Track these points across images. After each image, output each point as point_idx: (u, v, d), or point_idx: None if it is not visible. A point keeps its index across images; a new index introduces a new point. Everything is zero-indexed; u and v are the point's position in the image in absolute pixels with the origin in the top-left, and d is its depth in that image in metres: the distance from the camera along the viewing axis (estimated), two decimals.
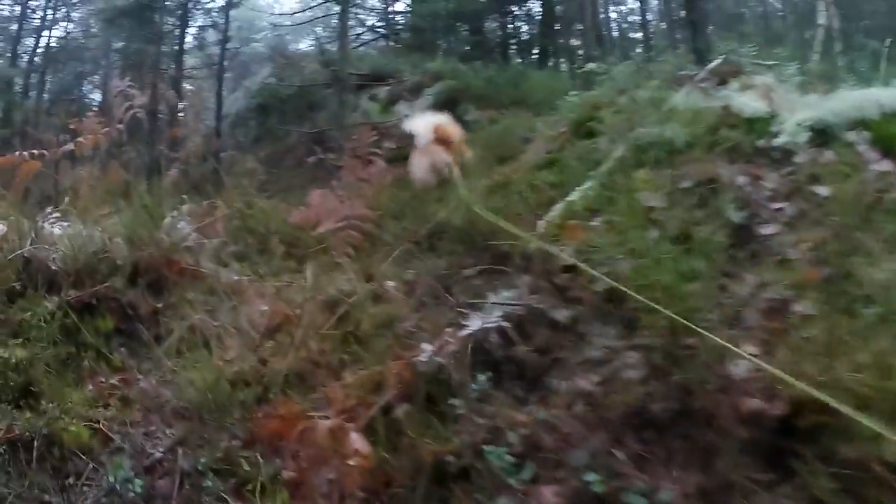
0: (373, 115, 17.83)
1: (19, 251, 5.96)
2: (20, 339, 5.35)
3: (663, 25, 31.61)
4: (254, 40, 29.85)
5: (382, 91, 18.74)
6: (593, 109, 7.94)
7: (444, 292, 5.90)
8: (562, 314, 5.01)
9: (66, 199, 8.39)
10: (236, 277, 6.73)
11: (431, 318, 5.46)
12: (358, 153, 10.66)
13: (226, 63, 22.75)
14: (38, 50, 27.12)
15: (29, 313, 5.55)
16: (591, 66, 9.33)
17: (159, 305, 6.05)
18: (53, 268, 5.90)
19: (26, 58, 27.07)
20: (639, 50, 28.11)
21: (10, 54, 26.35)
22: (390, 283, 6.31)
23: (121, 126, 11.17)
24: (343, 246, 7.62)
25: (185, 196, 9.04)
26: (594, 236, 5.38)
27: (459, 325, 5.04)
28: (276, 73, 22.60)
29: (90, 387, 5.23)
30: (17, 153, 8.17)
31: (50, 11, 27.75)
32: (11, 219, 6.47)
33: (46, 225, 6.67)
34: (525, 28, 24.62)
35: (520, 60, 23.18)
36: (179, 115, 18.66)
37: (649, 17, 32.86)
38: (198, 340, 5.68)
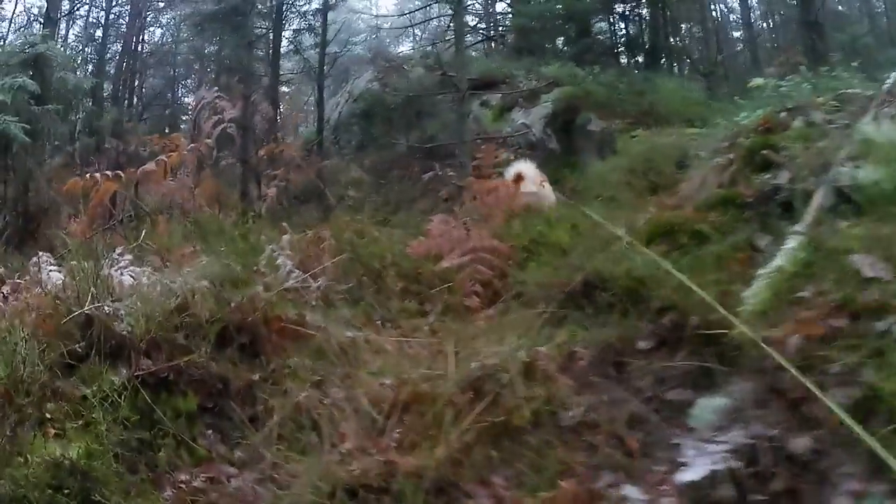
0: (485, 123, 16.65)
1: (79, 310, 4.75)
2: (79, 423, 4.18)
3: (764, 25, 29.85)
4: (352, 43, 28.78)
5: (494, 97, 17.56)
6: (766, 134, 6.57)
7: (615, 371, 4.64)
8: (800, 444, 3.51)
9: (144, 231, 7.31)
10: (350, 334, 5.51)
11: (605, 411, 4.19)
12: (483, 173, 9.49)
13: (325, 67, 21.82)
14: (127, 56, 26.46)
15: (91, 389, 4.38)
16: (757, 81, 7.95)
17: (255, 377, 4.79)
18: (121, 331, 4.70)
19: (114, 64, 26.43)
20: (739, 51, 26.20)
21: (95, 60, 25.71)
22: (543, 351, 5.11)
23: (209, 141, 10.27)
24: (470, 283, 6.72)
25: (284, 223, 7.91)
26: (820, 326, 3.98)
27: (671, 463, 3.64)
28: (378, 78, 21.53)
29: (168, 490, 4.04)
30: (92, 173, 7.21)
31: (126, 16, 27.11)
32: (73, 263, 5.34)
33: (115, 272, 5.51)
34: (632, 30, 22.93)
35: (625, 62, 21.70)
36: (276, 125, 17.56)
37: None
38: (304, 422, 4.50)
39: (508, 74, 17.86)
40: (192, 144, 10.11)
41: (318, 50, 24.01)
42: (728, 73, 17.92)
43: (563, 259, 6.51)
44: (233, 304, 5.08)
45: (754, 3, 30.37)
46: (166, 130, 30.30)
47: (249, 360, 4.98)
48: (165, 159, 8.67)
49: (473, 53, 23.59)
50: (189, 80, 31.22)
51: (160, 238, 7.13)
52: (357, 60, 26.35)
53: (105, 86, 25.32)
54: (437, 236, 7.77)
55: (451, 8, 9.21)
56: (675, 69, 19.47)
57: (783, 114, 6.88)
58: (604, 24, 23.10)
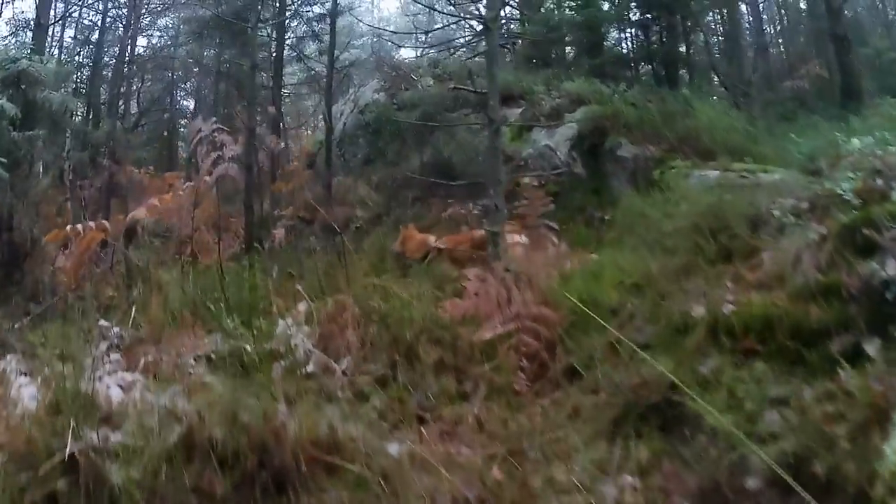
0: (503, 142, 15.58)
1: (59, 444, 3.65)
2: None
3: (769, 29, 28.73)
4: (353, 46, 27.70)
5: (511, 113, 16.44)
6: (863, 207, 5.50)
7: None
8: None
9: (134, 310, 6.29)
10: (391, 449, 4.51)
11: None
12: (528, 222, 8.48)
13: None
14: (122, 61, 25.45)
15: None
16: (854, 144, 6.85)
17: None
18: (115, 480, 3.59)
19: (110, 69, 25.42)
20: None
21: (91, 65, 24.71)
22: (629, 481, 4.18)
23: (208, 179, 9.26)
24: (517, 358, 6.04)
25: (299, 287, 6.86)
26: None
27: None
28: (385, 88, 20.43)
29: None
30: (73, 225, 6.24)
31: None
32: (46, 371, 4.30)
33: (101, 384, 4.39)
34: (652, 40, 21.41)
35: (645, 78, 20.39)
36: (282, 156, 16.42)
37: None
38: None
39: (527, 89, 16.70)
40: (189, 183, 9.08)
41: (321, 56, 23.11)
42: (759, 92, 16.78)
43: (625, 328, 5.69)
44: (252, 432, 4.03)
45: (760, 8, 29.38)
46: (165, 134, 29.62)
47: (275, 497, 4.01)
48: (157, 203, 7.68)
49: (478, 59, 22.43)
50: (188, 84, 30.30)
51: (154, 313, 6.08)
52: (360, 65, 25.32)
53: (102, 90, 24.47)
54: (473, 295, 6.84)
55: (481, 23, 8.06)
56: (696, 85, 18.16)
57: (878, 181, 5.85)
58: (619, 34, 22.01)
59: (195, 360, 5.38)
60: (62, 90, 12.70)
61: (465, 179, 14.26)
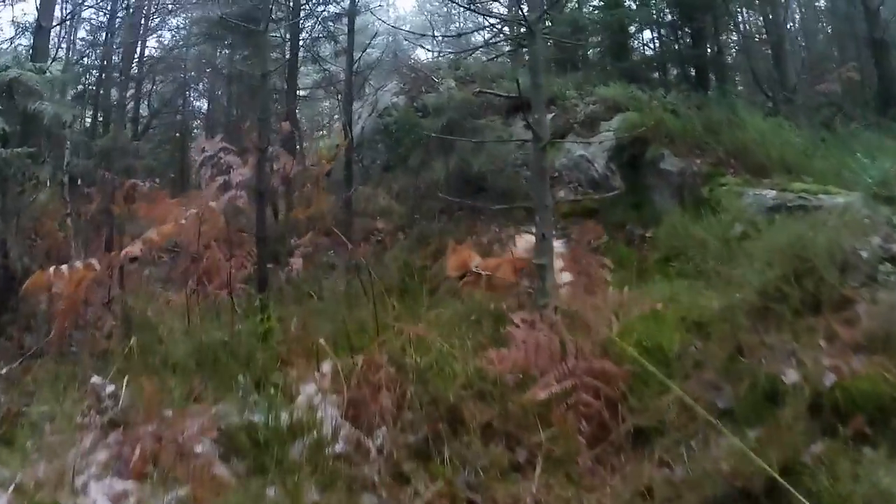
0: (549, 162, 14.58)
1: None
2: None
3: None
4: (370, 46, 26.74)
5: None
6: None
7: None
8: None
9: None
10: None
11: None
12: (581, 261, 7.51)
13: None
14: (131, 61, 24.62)
15: None
16: None
17: None
18: None
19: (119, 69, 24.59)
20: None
21: (99, 64, 23.82)
22: None
23: (214, 205, 8.38)
24: (575, 420, 5.34)
25: (321, 341, 5.90)
26: None
27: None
28: (405, 91, 19.46)
29: None
30: (57, 268, 5.42)
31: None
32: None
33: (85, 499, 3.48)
34: (682, 42, 19.97)
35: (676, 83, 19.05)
36: (298, 176, 15.39)
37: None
38: None
39: (559, 94, 15.68)
40: (192, 211, 8.16)
41: (337, 58, 22.15)
42: (804, 99, 15.69)
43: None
44: None
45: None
46: (177, 135, 28.80)
47: None
48: (155, 237, 6.78)
49: (499, 59, 21.35)
50: (201, 85, 29.41)
51: (151, 388, 5.17)
52: (377, 65, 24.43)
53: (112, 93, 23.64)
54: (521, 343, 5.95)
55: (524, 25, 6.87)
56: (726, 90, 16.99)
57: None
58: (644, 35, 20.88)
59: (201, 441, 4.47)
60: (60, 97, 11.79)
61: (495, 192, 13.38)
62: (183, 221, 7.28)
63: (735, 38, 18.56)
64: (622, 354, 5.77)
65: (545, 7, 8.23)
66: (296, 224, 11.89)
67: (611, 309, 6.55)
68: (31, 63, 11.97)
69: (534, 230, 8.06)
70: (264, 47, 7.70)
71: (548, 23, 20.22)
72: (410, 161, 16.54)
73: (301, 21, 20.06)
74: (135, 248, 6.41)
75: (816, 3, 24.56)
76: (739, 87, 18.40)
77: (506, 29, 18.81)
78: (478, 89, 16.86)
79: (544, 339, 5.95)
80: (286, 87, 19.49)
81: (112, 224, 8.42)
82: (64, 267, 5.84)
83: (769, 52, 16.98)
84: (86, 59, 24.97)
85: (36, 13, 17.14)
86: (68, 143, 12.84)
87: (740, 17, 19.03)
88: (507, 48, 20.81)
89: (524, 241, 8.82)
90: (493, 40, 21.17)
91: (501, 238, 12.37)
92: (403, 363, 5.63)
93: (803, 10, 24.72)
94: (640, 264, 10.85)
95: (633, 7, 17.75)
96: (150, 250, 8.85)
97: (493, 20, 20.02)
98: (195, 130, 30.28)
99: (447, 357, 5.87)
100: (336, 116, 33.85)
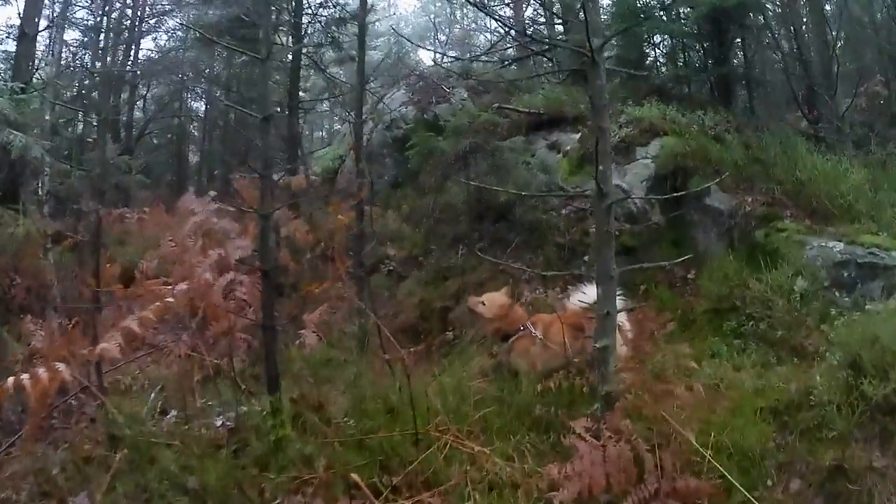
0: (557, 175, 13.29)
1: None
2: None
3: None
4: (371, 48, 25.60)
5: (566, 139, 14.27)
6: None
7: None
8: None
9: None
10: None
11: None
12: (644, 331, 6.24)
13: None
14: (124, 65, 23.80)
15: None
16: None
17: None
18: None
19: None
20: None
21: (97, 66, 22.89)
22: None
23: (209, 278, 7.23)
24: None
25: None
26: None
27: None
28: (414, 101, 18.15)
29: None
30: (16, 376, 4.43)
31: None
32: None
33: None
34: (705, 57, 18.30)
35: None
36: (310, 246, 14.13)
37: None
38: None
39: (585, 112, 14.29)
40: (182, 286, 6.96)
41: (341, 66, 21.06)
42: (853, 129, 14.42)
43: None
44: None
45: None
46: (173, 137, 27.92)
47: None
48: (135, 327, 5.62)
49: (513, 67, 19.96)
50: (198, 89, 28.48)
51: None
52: (378, 70, 23.26)
53: (111, 96, 22.78)
54: (587, 458, 4.80)
55: (584, 53, 5.56)
56: (750, 110, 15.65)
57: None
58: (659, 48, 19.38)
59: None
60: (43, 111, 10.93)
61: (522, 224, 12.24)
62: (170, 300, 6.10)
63: (770, 55, 17.18)
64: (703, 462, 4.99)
65: (609, 34, 6.90)
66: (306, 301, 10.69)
67: (685, 400, 5.46)
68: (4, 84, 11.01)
69: (585, 284, 7.41)
70: (265, 81, 6.51)
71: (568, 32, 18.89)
72: (422, 179, 15.12)
73: (304, 28, 19.07)
74: (111, 347, 5.27)
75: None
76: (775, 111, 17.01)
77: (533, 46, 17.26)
78: (496, 105, 15.71)
79: (613, 452, 4.85)
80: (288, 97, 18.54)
81: (98, 258, 7.26)
82: (25, 376, 4.71)
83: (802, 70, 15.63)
84: (79, 61, 24.11)
85: (19, 19, 16.07)
86: (47, 169, 11.87)
87: (779, 32, 17.38)
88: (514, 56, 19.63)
89: (578, 297, 7.55)
90: (518, 56, 19.64)
91: (529, 277, 11.19)
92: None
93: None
94: (686, 313, 9.80)
95: (664, 19, 16.28)
96: (131, 342, 7.51)
97: (533, 43, 18.09)
98: (194, 132, 29.68)
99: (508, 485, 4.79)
100: (336, 119, 32.91)
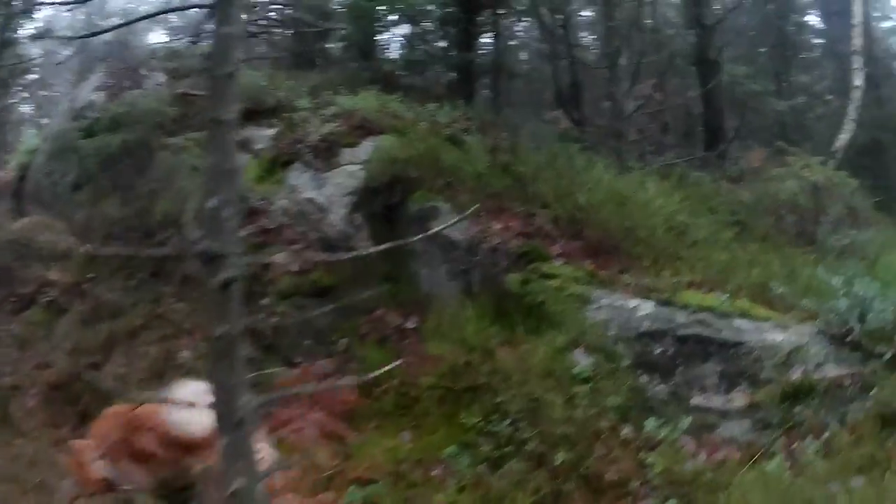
0: (243, 183, 10.32)
1: None
2: None
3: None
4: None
5: (259, 136, 11.35)
6: None
7: None
8: None
9: None
10: None
11: None
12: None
13: None
14: None
15: None
16: None
17: None
18: None
19: None
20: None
21: None
22: None
23: None
24: None
25: None
26: None
27: None
28: (107, 85, 14.80)
29: None
30: None
31: None
32: None
33: None
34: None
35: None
36: None
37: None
38: None
39: (289, 101, 11.72)
40: None
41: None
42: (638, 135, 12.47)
43: None
44: None
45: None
46: None
47: None
48: None
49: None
50: None
51: None
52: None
53: None
54: None
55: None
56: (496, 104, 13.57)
57: None
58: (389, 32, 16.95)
59: None
60: None
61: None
62: None
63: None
64: None
65: None
66: None
67: None
68: None
69: None
70: None
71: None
72: (102, 183, 12.29)
73: None
74: None
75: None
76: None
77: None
78: (181, 90, 12.59)
79: None
80: None
81: None
82: None
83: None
84: None
85: None
86: None
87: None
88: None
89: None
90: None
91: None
92: None
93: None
94: (405, 385, 6.98)
95: None
96: None
97: None
98: None
99: None
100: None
